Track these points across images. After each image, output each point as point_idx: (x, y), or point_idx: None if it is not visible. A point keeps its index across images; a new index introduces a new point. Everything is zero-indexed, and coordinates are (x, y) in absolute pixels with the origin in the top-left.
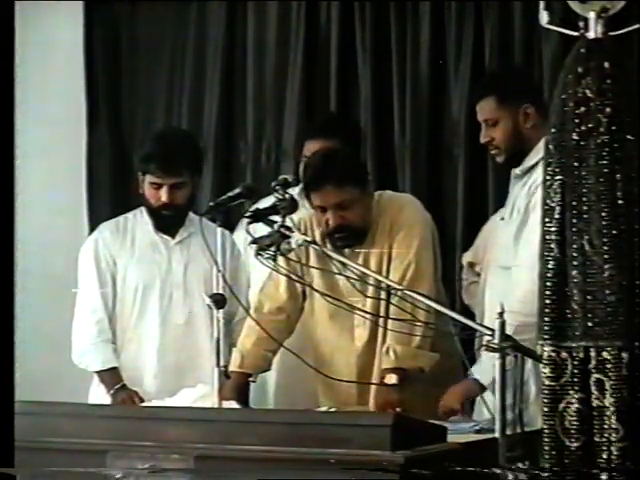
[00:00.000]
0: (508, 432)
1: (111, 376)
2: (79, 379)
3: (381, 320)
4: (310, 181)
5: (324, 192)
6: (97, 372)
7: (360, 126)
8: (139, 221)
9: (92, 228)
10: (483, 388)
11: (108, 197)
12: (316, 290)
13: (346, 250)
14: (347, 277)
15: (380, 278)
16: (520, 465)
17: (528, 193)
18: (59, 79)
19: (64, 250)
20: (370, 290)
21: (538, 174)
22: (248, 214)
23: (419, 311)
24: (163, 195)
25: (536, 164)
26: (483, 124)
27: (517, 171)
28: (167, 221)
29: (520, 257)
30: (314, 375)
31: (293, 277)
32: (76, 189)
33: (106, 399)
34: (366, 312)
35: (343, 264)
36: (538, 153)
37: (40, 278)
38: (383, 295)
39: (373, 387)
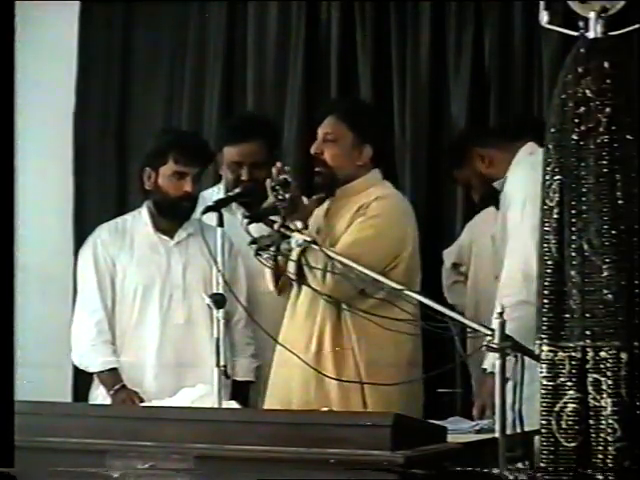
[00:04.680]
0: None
1: (111, 377)
2: (77, 379)
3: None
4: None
5: (326, 122)
6: (97, 373)
7: (276, 125)
8: (138, 222)
9: (90, 229)
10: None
11: (106, 197)
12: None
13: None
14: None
15: (381, 279)
16: (520, 465)
17: (503, 195)
18: (59, 80)
19: (63, 251)
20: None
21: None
22: (247, 214)
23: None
24: (187, 185)
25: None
26: None
27: (496, 185)
28: (181, 212)
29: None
30: None
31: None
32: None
33: (106, 400)
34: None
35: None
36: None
37: (40, 278)
38: (383, 295)
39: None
